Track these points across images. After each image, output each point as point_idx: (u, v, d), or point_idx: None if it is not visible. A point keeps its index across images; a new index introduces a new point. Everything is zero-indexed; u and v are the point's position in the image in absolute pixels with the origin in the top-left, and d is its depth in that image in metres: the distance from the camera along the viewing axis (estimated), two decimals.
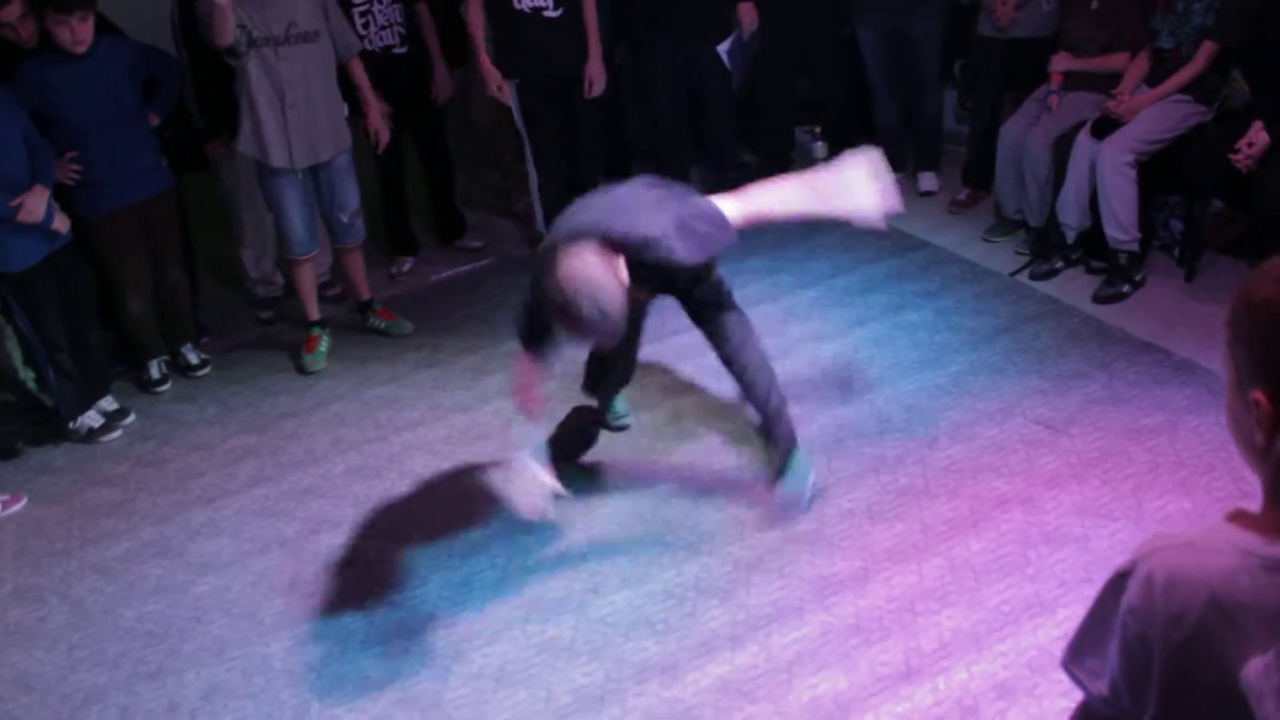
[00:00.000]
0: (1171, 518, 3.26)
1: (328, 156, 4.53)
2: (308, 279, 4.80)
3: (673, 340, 4.57)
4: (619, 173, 6.01)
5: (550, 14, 4.80)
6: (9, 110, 4.05)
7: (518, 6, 4.78)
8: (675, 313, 4.69)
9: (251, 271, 5.28)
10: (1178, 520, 3.24)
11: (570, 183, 5.32)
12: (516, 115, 5.11)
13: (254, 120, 4.41)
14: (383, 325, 4.99)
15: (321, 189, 4.61)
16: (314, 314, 4.85)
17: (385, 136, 4.81)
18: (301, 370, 4.77)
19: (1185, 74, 4.32)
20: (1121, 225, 4.39)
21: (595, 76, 4.99)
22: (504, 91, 5.02)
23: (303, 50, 4.35)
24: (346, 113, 4.67)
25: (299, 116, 4.40)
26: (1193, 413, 3.70)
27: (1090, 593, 2.92)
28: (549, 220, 5.27)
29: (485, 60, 4.96)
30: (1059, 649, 2.78)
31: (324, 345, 4.82)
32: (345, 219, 4.72)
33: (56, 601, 3.59)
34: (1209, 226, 4.65)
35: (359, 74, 4.63)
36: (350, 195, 4.69)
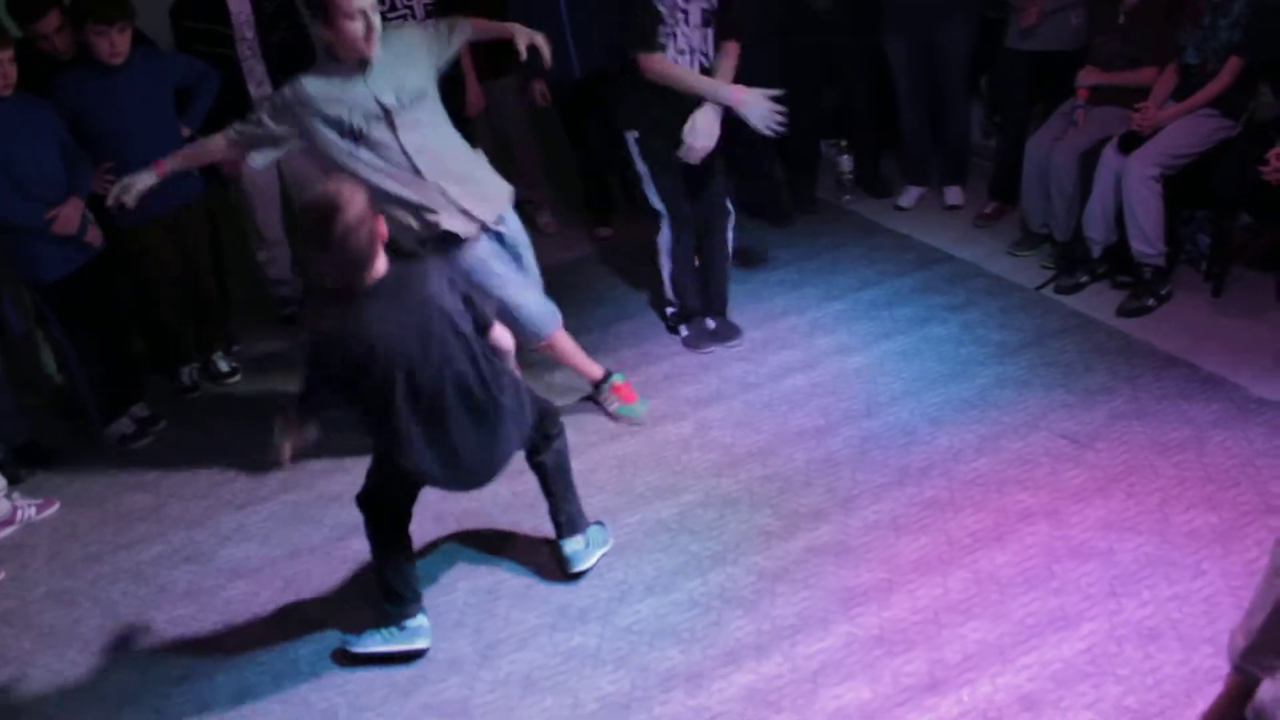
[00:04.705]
0: (1198, 532, 3.26)
1: None
2: None
3: (698, 353, 4.60)
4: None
5: None
6: (47, 121, 4.10)
7: None
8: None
9: (270, 274, 5.34)
10: (1204, 535, 3.23)
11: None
12: None
13: None
14: None
15: None
16: None
17: None
18: None
19: (1211, 89, 4.32)
20: (1147, 239, 4.39)
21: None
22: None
23: None
24: None
25: None
26: (1219, 427, 3.70)
27: (1115, 606, 2.92)
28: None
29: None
30: (1084, 662, 2.81)
31: None
32: None
33: (89, 605, 3.64)
34: (1237, 240, 4.64)
35: None
36: None
